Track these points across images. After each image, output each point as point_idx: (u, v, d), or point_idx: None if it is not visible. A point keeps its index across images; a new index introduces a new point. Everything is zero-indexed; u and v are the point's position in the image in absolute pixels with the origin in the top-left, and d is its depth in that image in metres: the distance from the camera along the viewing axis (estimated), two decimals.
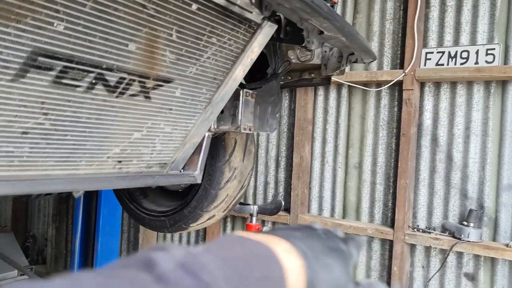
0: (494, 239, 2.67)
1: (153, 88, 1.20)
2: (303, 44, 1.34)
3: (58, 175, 1.14)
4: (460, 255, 2.74)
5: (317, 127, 3.24)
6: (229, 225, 3.62)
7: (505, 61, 2.62)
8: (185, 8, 1.08)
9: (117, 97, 1.13)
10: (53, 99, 0.99)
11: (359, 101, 3.10)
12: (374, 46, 3.02)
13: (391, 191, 2.97)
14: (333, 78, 2.80)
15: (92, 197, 3.70)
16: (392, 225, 2.89)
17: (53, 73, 0.94)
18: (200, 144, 1.56)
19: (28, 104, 0.95)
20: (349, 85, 3.08)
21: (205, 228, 3.63)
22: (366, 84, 3.02)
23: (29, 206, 4.82)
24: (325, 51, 1.78)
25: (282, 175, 3.39)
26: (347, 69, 3.02)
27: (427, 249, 2.84)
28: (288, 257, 0.46)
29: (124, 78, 1.10)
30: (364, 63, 1.69)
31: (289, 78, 2.03)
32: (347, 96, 3.14)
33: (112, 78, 1.07)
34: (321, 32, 1.28)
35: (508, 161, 2.63)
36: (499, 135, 2.66)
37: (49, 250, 4.59)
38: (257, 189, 3.49)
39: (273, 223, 3.38)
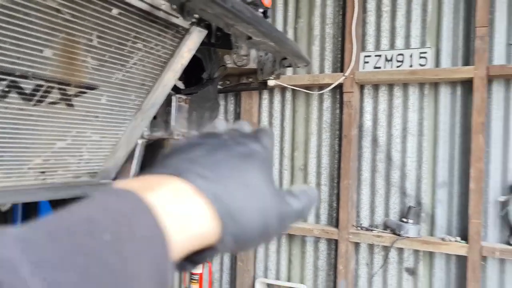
0: (431, 234, 2.79)
1: (76, 96, 1.15)
2: (232, 49, 1.34)
3: None
4: (401, 251, 2.84)
5: None
6: None
7: (437, 64, 2.75)
8: (104, 13, 1.05)
9: (34, 105, 1.08)
10: None
11: (302, 104, 3.15)
12: (315, 49, 3.08)
13: (335, 191, 3.03)
14: (276, 83, 2.83)
15: (31, 208, 3.53)
16: (337, 225, 2.95)
17: None
18: (133, 152, 1.52)
19: None
20: (293, 89, 3.12)
21: None
22: (309, 87, 3.08)
23: None
24: (261, 56, 1.79)
25: None
26: (290, 72, 3.07)
27: (371, 247, 2.93)
28: (174, 201, 0.34)
29: (42, 86, 1.05)
30: (298, 67, 1.72)
31: (228, 82, 2.02)
32: (291, 99, 3.19)
33: (28, 85, 1.03)
34: (250, 38, 1.29)
35: (442, 159, 2.76)
36: (433, 134, 2.78)
37: None
38: None
39: None
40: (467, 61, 2.68)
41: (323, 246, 3.08)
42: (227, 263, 3.37)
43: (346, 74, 2.87)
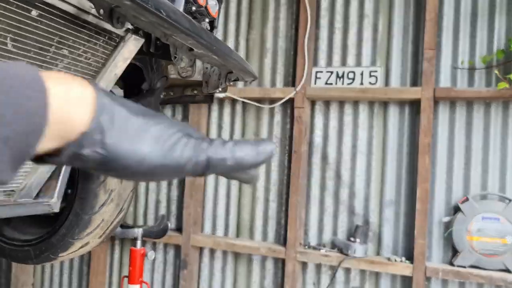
0: (378, 254, 2.77)
1: None
2: (173, 61, 1.23)
3: None
4: (348, 270, 2.81)
5: None
6: (117, 247, 3.36)
7: (386, 83, 2.76)
8: (22, 14, 0.91)
9: None
10: None
11: (253, 118, 3.07)
12: (267, 62, 3.02)
13: (283, 208, 2.96)
14: (225, 95, 2.74)
15: None
16: (284, 243, 2.87)
17: None
18: (59, 168, 1.36)
19: None
20: (243, 101, 3.04)
21: (89, 252, 3.33)
22: (259, 100, 3.01)
23: None
24: (207, 68, 1.69)
25: (174, 193, 3.23)
26: (241, 84, 2.99)
27: (318, 266, 2.87)
28: (62, 81, 0.39)
29: None
30: (245, 81, 1.63)
31: (171, 93, 1.90)
32: (241, 112, 3.10)
33: None
34: (191, 49, 1.18)
35: (390, 178, 2.76)
36: (382, 153, 2.79)
37: None
38: (148, 208, 3.29)
39: (165, 245, 3.21)
40: (415, 81, 2.71)
41: (270, 265, 2.99)
42: (169, 282, 3.21)
43: (298, 89, 2.82)
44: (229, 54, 1.23)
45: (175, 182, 3.22)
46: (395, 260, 2.62)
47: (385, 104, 2.79)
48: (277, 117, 3.01)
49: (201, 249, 3.13)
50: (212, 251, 3.12)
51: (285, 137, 2.99)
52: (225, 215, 3.12)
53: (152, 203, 3.28)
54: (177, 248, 3.16)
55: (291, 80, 2.96)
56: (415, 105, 2.70)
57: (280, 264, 2.95)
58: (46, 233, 1.92)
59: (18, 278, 3.42)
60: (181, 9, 1.28)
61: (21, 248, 1.95)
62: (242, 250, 2.94)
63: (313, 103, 2.93)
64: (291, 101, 2.89)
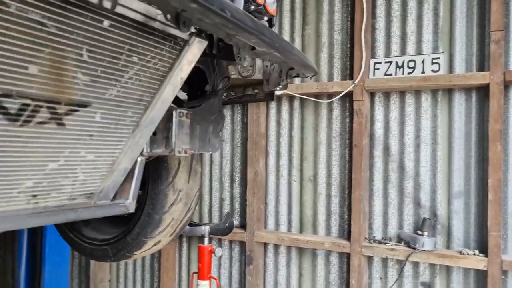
0: (448, 247, 2.67)
1: (67, 114, 1.08)
2: (236, 61, 1.26)
3: None
4: (416, 264, 2.72)
5: (270, 140, 3.18)
6: (185, 245, 3.48)
7: (450, 70, 2.64)
8: (95, 25, 0.98)
9: (21, 126, 1.00)
10: None
11: (311, 113, 3.06)
12: (323, 57, 3.00)
13: (346, 203, 2.93)
14: (283, 92, 2.75)
15: (36, 234, 3.47)
16: (348, 238, 2.84)
17: None
18: (132, 170, 1.44)
19: None
20: (301, 97, 3.04)
21: (159, 250, 3.47)
22: (317, 95, 2.99)
23: None
24: (267, 66, 1.71)
25: (237, 191, 3.29)
26: (298, 81, 2.99)
27: (384, 260, 2.81)
28: None
29: (28, 105, 0.98)
30: (306, 77, 1.63)
31: (233, 94, 1.95)
32: (299, 108, 3.10)
33: (12, 105, 0.95)
34: (253, 48, 1.21)
35: (458, 168, 2.64)
36: (448, 142, 2.67)
37: None
38: (212, 206, 3.38)
39: (230, 242, 3.28)
40: (481, 66, 2.57)
41: (334, 259, 2.97)
42: (236, 278, 3.28)
43: (356, 81, 2.77)
44: (291, 50, 1.24)
45: (237, 180, 3.28)
46: (468, 254, 2.51)
47: (449, 91, 2.67)
48: (336, 111, 2.97)
49: (265, 245, 3.17)
50: (276, 247, 3.14)
51: (345, 131, 2.95)
52: (287, 211, 3.13)
53: (216, 202, 3.36)
54: (242, 244, 3.22)
55: (349, 73, 2.91)
56: (482, 91, 2.56)
57: (345, 258, 2.91)
58: (121, 233, 2.04)
59: (96, 274, 3.65)
60: (241, 8, 1.31)
61: (100, 247, 2.08)
62: (306, 245, 2.94)
63: (372, 95, 2.87)
64: (349, 94, 2.85)
